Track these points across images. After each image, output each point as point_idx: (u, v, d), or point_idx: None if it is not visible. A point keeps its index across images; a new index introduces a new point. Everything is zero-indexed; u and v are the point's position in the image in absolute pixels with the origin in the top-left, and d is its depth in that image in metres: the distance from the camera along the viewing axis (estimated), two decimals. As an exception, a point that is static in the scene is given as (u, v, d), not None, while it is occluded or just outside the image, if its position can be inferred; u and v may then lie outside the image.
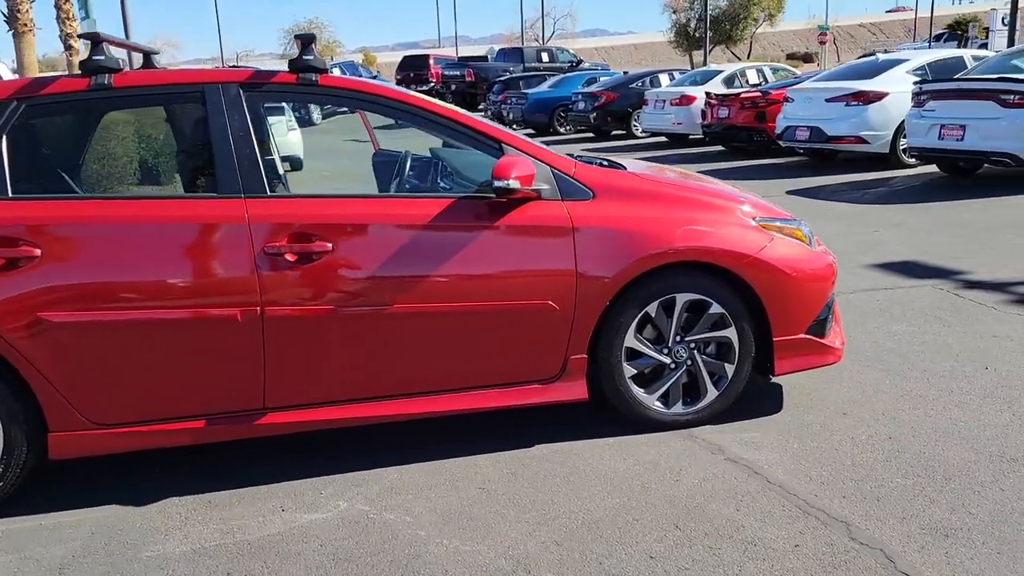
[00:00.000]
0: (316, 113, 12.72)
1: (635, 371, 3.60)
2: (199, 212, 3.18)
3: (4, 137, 3.12)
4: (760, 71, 17.29)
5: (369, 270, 3.26)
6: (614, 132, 19.13)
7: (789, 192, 10.23)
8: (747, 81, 16.86)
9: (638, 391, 3.61)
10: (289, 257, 3.19)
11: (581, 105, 19.17)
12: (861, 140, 11.55)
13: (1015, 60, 10.75)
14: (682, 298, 3.56)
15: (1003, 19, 32.00)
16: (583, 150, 13.88)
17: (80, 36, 4.59)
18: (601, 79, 21.28)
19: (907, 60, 12.23)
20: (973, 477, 3.13)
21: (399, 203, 3.43)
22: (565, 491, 3.19)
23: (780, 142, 12.76)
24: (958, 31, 48.67)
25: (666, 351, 3.63)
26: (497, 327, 3.40)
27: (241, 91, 3.33)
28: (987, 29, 40.32)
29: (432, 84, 31.96)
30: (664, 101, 16.48)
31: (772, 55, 63.46)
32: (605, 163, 4.03)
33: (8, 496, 3.19)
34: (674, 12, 51.16)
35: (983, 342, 4.58)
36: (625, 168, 3.88)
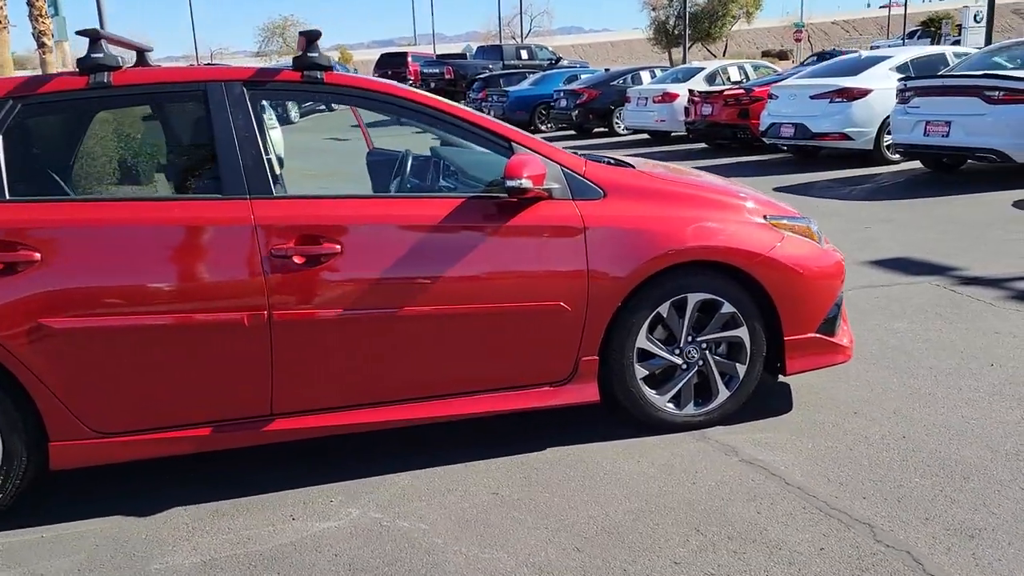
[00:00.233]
0: (294, 111, 12.58)
1: (647, 372, 3.55)
2: (203, 214, 3.09)
3: (0, 137, 3.02)
4: (742, 68, 17.32)
5: (378, 272, 3.18)
6: (596, 130, 19.11)
7: (776, 189, 10.24)
8: (728, 78, 16.90)
9: (650, 392, 3.56)
10: (296, 260, 3.11)
11: (563, 103, 19.13)
12: (845, 137, 11.60)
13: (996, 57, 10.85)
14: (694, 298, 3.52)
15: (975, 16, 32.29)
16: (566, 147, 13.82)
17: (79, 33, 4.44)
18: (582, 76, 21.25)
19: (890, 57, 12.30)
20: (992, 476, 3.11)
21: (408, 203, 3.36)
22: (581, 495, 3.14)
23: (764, 139, 12.78)
24: (931, 28, 49.18)
25: (677, 352, 3.58)
26: (508, 329, 3.34)
27: (245, 89, 3.24)
28: (960, 26, 40.76)
29: (411, 82, 31.78)
30: (647, 98, 16.48)
31: (747, 52, 63.76)
32: (612, 161, 3.98)
33: (7, 508, 3.09)
34: (653, 9, 51.27)
35: (986, 339, 4.58)
36: (634, 167, 3.84)
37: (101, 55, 3.12)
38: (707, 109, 14.35)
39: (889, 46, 40.66)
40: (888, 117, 11.30)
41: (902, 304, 5.29)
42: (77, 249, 2.98)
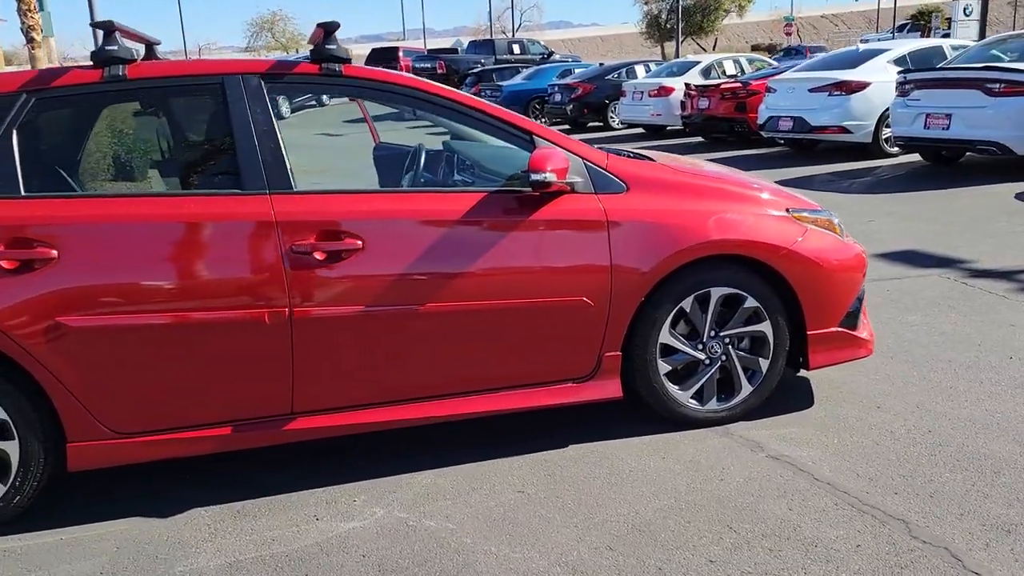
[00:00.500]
0: (285, 106, 12.45)
1: (669, 368, 3.51)
2: (223, 210, 3.03)
3: (14, 132, 2.95)
4: (737, 62, 17.29)
5: (399, 268, 3.13)
6: (590, 124, 19.06)
7: (776, 183, 10.19)
8: (724, 72, 16.86)
9: (672, 388, 3.53)
10: (318, 256, 3.05)
11: (557, 97, 19.07)
12: (844, 130, 11.58)
13: (994, 49, 10.83)
14: (717, 292, 3.48)
15: (965, 9, 32.31)
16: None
17: (93, 25, 4.37)
18: (576, 71, 21.19)
19: (888, 50, 12.28)
20: (1023, 470, 3.08)
21: (428, 198, 3.31)
22: (608, 493, 3.10)
23: (763, 132, 12.76)
24: (921, 22, 49.28)
25: (700, 347, 3.54)
26: (531, 325, 3.30)
27: (262, 82, 3.18)
28: (950, 20, 40.84)
29: (403, 77, 31.53)
30: (642, 92, 16.42)
31: (737, 47, 63.81)
32: (630, 154, 3.93)
33: (23, 509, 3.03)
34: (646, 3, 51.24)
35: (1001, 331, 4.56)
36: (653, 159, 3.79)
37: (116, 47, 3.05)
38: (704, 103, 14.31)
39: (878, 40, 40.72)
40: (886, 110, 11.29)
41: (914, 297, 5.27)
42: (95, 246, 2.92)
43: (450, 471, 3.33)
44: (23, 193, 2.92)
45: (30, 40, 22.23)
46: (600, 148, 3.63)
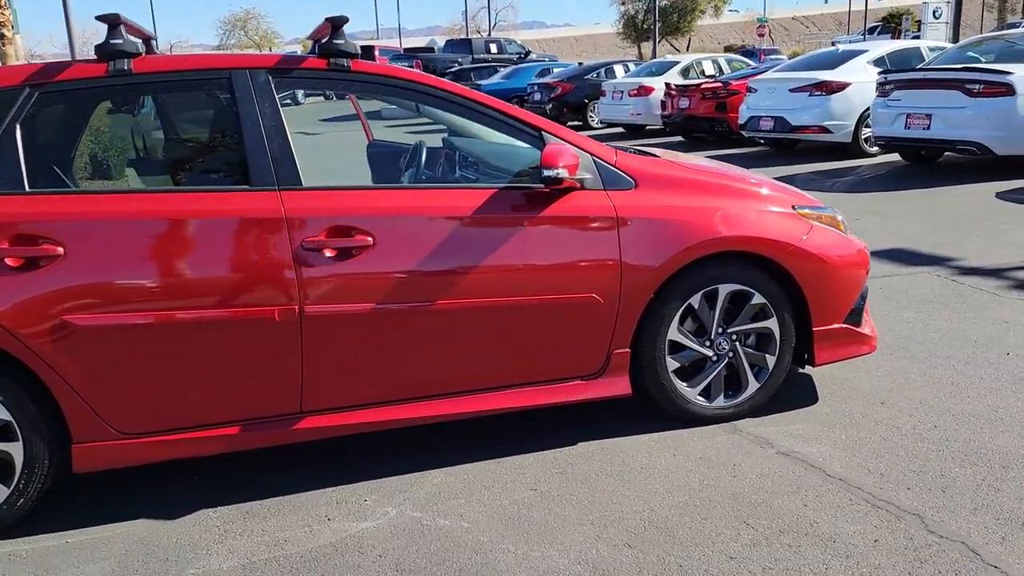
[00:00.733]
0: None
1: (677, 364, 3.51)
2: (232, 206, 2.98)
3: (18, 127, 2.88)
4: (715, 62, 17.39)
5: (410, 265, 3.10)
6: (570, 123, 19.06)
7: (760, 182, 10.26)
8: (703, 72, 16.96)
9: (681, 385, 3.52)
10: (328, 253, 3.02)
11: (537, 96, 19.08)
12: (825, 130, 11.68)
13: (971, 51, 10.98)
14: (725, 289, 3.48)
15: (934, 12, 32.75)
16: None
17: (98, 19, 4.25)
18: (554, 70, 21.22)
19: (867, 51, 12.41)
20: (1031, 464, 3.12)
21: (439, 194, 3.28)
22: (622, 490, 3.09)
23: (743, 132, 12.84)
24: (891, 24, 49.87)
25: (708, 343, 3.54)
26: (541, 322, 3.28)
27: (270, 77, 3.13)
28: (919, 22, 41.37)
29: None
30: (622, 92, 16.47)
31: (710, 47, 64.22)
32: (633, 151, 3.93)
33: (27, 512, 2.96)
34: (623, 3, 51.44)
35: (995, 328, 4.62)
36: (658, 156, 3.79)
37: (120, 41, 3.00)
38: (684, 102, 14.38)
39: (850, 42, 41.22)
40: (866, 110, 11.42)
41: (907, 295, 5.31)
42: (101, 243, 2.86)
43: (459, 470, 3.30)
44: (27, 189, 2.86)
45: (0, 36, 21.85)
46: (608, 144, 3.62)
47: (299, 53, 3.46)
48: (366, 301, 3.06)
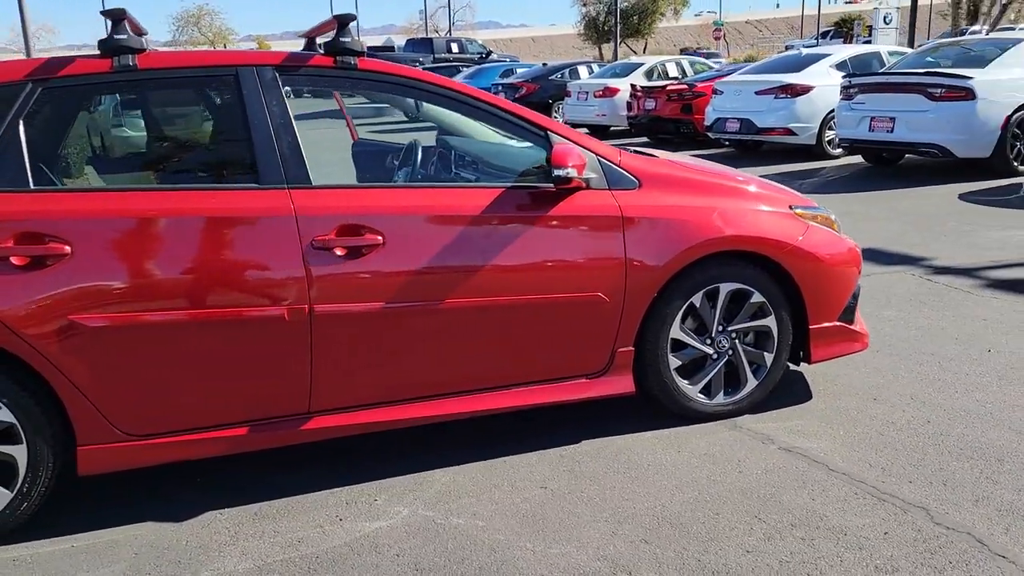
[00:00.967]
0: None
1: (679, 363, 3.55)
2: (241, 204, 2.95)
3: (21, 123, 2.82)
4: (679, 64, 17.58)
5: (420, 264, 3.10)
6: (534, 124, 19.11)
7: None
8: (666, 74, 17.13)
9: (682, 383, 3.57)
10: (339, 252, 3.00)
11: (501, 96, 19.07)
12: (790, 132, 11.89)
13: (929, 57, 11.27)
14: (726, 288, 3.53)
15: (885, 18, 33.50)
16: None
17: (103, 14, 4.11)
18: (518, 71, 21.26)
19: (830, 55, 12.64)
20: (1024, 458, 3.22)
21: (448, 193, 3.27)
22: (631, 487, 3.12)
23: (710, 134, 13.00)
24: (843, 29, 50.84)
25: (709, 342, 3.59)
26: (548, 321, 3.30)
27: (277, 75, 3.11)
28: (871, 27, 42.24)
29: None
30: (587, 93, 16.58)
31: (666, 50, 64.82)
32: (636, 151, 3.96)
33: (30, 517, 2.90)
34: (584, 5, 51.71)
35: (974, 325, 4.74)
36: (658, 156, 3.83)
37: (125, 36, 2.95)
38: (650, 104, 14.52)
39: (804, 46, 41.98)
40: (829, 113, 11.65)
41: (886, 293, 5.43)
42: (111, 242, 2.81)
43: (465, 469, 3.30)
44: (32, 187, 2.80)
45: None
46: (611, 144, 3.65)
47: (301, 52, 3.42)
48: (375, 300, 3.05)
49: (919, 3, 26.65)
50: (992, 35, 12.73)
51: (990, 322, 4.79)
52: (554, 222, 3.27)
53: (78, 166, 3.01)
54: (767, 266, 3.58)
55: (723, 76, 13.95)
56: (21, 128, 2.82)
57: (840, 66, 12.31)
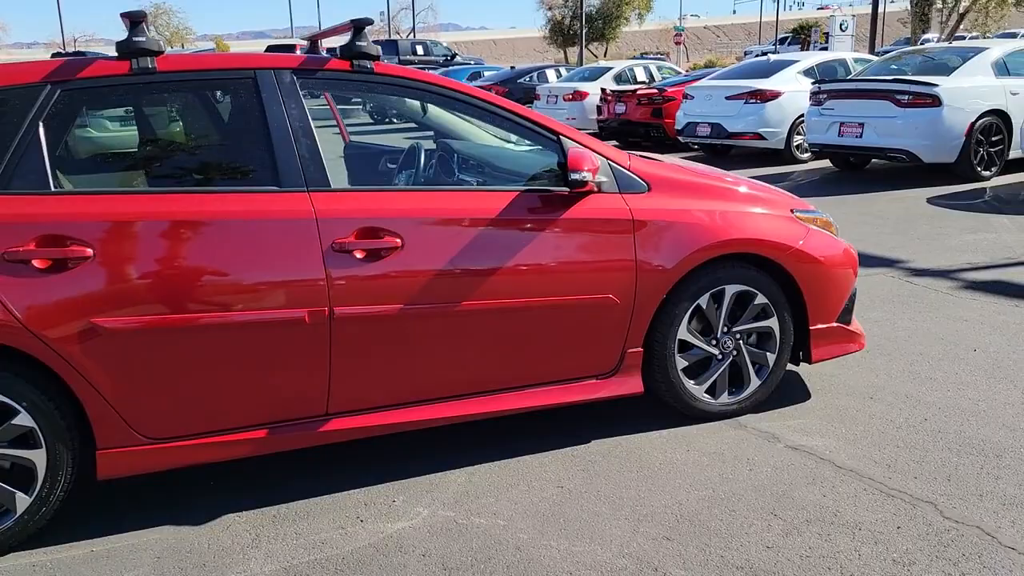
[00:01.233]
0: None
1: (686, 363, 3.62)
2: (262, 207, 2.95)
3: (41, 125, 2.80)
4: (647, 69, 17.76)
5: (438, 266, 3.13)
6: (502, 126, 19.18)
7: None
8: (635, 78, 17.30)
9: (689, 383, 3.64)
10: (358, 254, 3.02)
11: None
12: (759, 136, 12.09)
13: (892, 64, 11.53)
14: (731, 289, 3.61)
15: (841, 25, 34.09)
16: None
17: (123, 16, 4.00)
18: (485, 74, 21.30)
19: (798, 61, 12.87)
20: (1022, 453, 3.32)
21: (463, 196, 3.30)
22: (647, 485, 3.17)
23: (680, 137, 13.17)
24: (801, 36, 51.69)
25: (714, 342, 3.67)
26: (561, 322, 3.35)
27: (295, 77, 3.12)
28: (827, 34, 43.04)
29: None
30: (556, 96, 16.67)
31: (627, 54, 65.42)
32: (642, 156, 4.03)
33: (47, 521, 2.87)
34: (549, 8, 51.91)
35: (957, 326, 4.89)
36: (663, 161, 3.90)
37: (143, 39, 2.94)
38: (621, 108, 14.65)
39: (762, 52, 42.70)
40: (798, 118, 11.87)
41: (869, 295, 5.57)
42: (132, 244, 2.80)
43: (479, 469, 3.34)
44: (53, 189, 2.78)
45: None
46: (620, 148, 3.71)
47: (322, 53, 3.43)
48: (394, 302, 3.07)
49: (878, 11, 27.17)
50: (953, 44, 13.03)
51: (971, 323, 4.93)
52: (568, 225, 3.32)
53: (97, 168, 2.99)
54: (770, 268, 3.66)
55: (691, 81, 14.12)
56: (41, 130, 2.80)
57: (808, 72, 12.54)
